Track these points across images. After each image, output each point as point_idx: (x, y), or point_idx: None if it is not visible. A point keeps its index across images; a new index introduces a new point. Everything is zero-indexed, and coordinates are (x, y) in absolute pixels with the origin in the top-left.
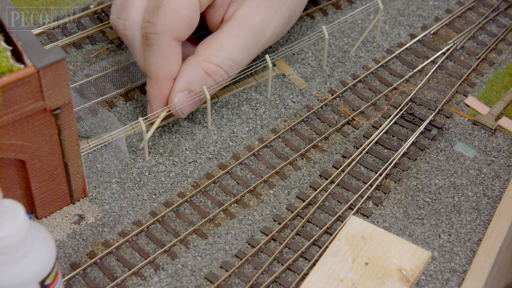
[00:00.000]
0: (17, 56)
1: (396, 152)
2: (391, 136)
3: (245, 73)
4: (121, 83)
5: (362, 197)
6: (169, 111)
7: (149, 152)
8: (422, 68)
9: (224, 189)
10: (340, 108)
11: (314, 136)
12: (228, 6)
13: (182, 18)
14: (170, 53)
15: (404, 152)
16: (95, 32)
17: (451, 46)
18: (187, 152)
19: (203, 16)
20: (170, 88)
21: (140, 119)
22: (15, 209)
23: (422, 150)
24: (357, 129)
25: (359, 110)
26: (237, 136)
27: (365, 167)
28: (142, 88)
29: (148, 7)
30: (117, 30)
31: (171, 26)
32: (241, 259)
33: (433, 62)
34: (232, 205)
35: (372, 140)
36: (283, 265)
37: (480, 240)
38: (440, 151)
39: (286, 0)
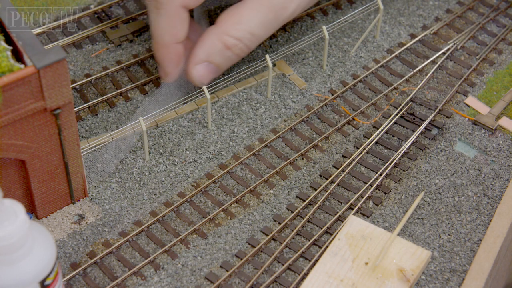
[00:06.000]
0: (17, 56)
1: (396, 152)
2: (391, 136)
3: (245, 73)
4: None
5: (362, 197)
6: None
7: (149, 152)
8: (422, 68)
9: (224, 189)
10: (340, 108)
11: (314, 136)
12: None
13: None
14: (177, 19)
15: (404, 152)
16: (95, 32)
17: (451, 46)
18: (187, 152)
19: None
20: (177, 52)
21: (140, 119)
22: (15, 209)
23: (422, 150)
24: (357, 129)
25: (359, 110)
26: (237, 136)
27: (365, 167)
28: (142, 88)
29: None
30: None
31: None
32: (241, 259)
33: (433, 62)
34: (232, 205)
35: (372, 140)
36: (283, 265)
37: (480, 240)
38: (440, 151)
39: None
